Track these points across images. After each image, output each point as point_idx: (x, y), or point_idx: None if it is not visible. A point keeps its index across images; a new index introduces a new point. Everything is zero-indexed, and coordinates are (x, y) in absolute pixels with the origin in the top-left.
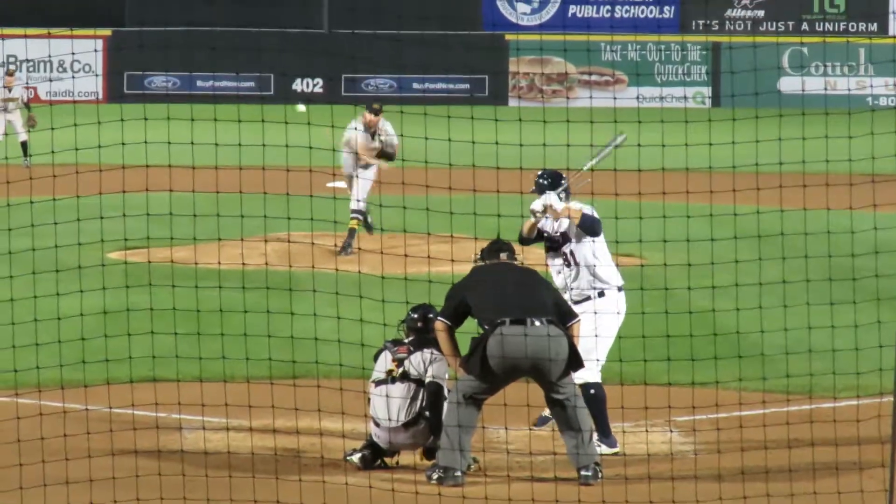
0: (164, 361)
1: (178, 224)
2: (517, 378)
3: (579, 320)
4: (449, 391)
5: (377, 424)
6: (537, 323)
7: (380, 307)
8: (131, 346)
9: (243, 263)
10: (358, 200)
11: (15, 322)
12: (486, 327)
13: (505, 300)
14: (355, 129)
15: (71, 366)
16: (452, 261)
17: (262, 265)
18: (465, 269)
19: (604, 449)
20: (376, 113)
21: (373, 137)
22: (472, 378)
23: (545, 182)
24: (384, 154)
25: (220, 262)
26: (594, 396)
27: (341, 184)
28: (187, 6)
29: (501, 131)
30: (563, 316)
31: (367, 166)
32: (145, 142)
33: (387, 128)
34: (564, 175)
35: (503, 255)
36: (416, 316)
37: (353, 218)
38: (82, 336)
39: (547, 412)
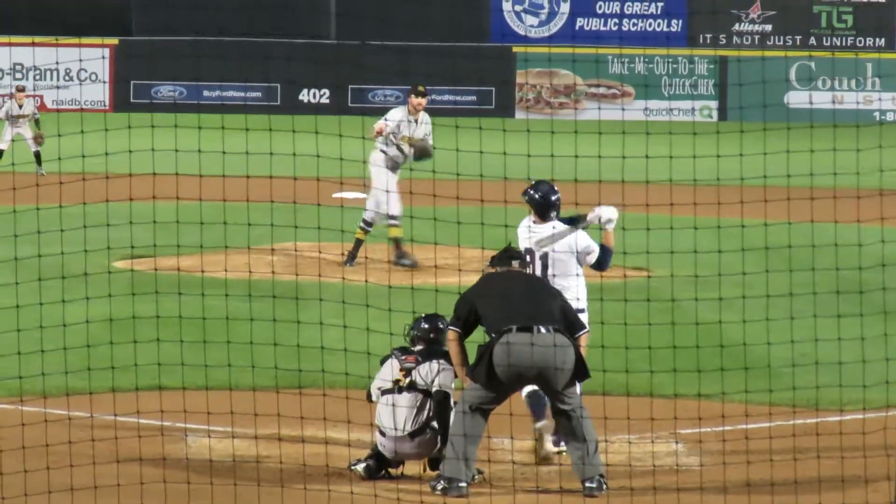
0: (169, 369)
1: (184, 232)
2: (523, 386)
3: (588, 331)
4: (455, 401)
5: (383, 434)
6: (543, 331)
7: (386, 317)
8: (137, 354)
9: (249, 272)
10: (379, 213)
11: (20, 329)
12: (493, 335)
13: (512, 308)
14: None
15: (76, 373)
16: (460, 271)
17: (268, 274)
18: (471, 279)
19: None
20: (423, 95)
21: (416, 125)
22: (478, 387)
23: (537, 196)
24: (422, 151)
25: (226, 271)
26: None
27: (349, 194)
28: (195, 15)
29: (509, 142)
30: (570, 325)
31: (395, 167)
32: (152, 150)
33: (427, 119)
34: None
35: (514, 263)
36: (427, 326)
37: (362, 228)
38: (88, 343)
39: (552, 448)
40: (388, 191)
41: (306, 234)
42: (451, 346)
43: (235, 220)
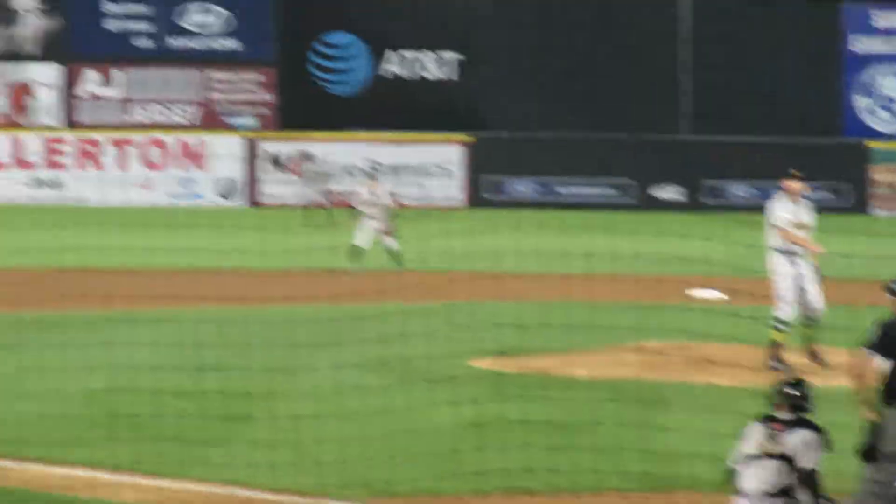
0: (536, 473)
1: (547, 332)
2: None
3: None
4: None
5: (744, 495)
6: None
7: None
8: (503, 458)
9: (612, 374)
10: (816, 304)
11: (388, 431)
12: (886, 402)
13: None
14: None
15: (445, 478)
16: (822, 373)
17: (631, 376)
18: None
19: None
20: (801, 179)
21: (804, 211)
22: (872, 468)
23: None
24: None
25: (589, 372)
26: None
27: (709, 292)
28: (545, 111)
29: (868, 242)
30: None
31: (798, 264)
32: (513, 251)
33: (811, 205)
34: None
35: None
36: (794, 392)
37: (776, 328)
38: (455, 447)
39: None
40: (787, 294)
41: (668, 334)
42: (868, 375)
43: (599, 321)
